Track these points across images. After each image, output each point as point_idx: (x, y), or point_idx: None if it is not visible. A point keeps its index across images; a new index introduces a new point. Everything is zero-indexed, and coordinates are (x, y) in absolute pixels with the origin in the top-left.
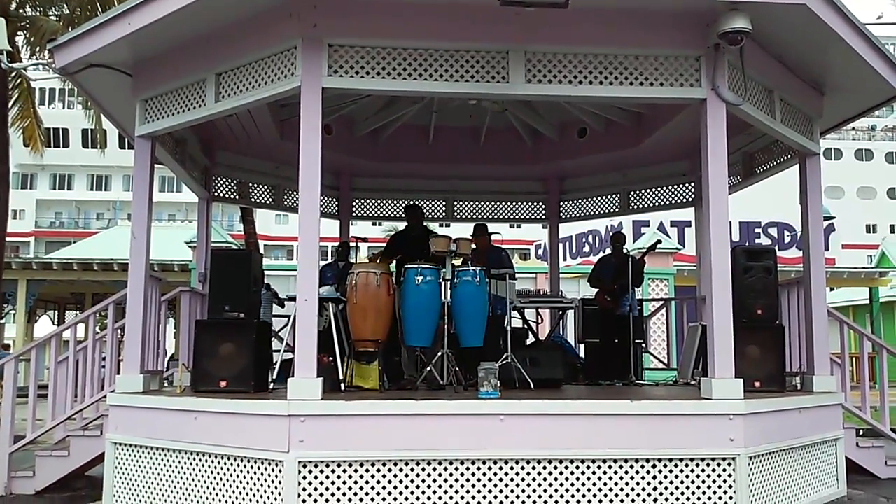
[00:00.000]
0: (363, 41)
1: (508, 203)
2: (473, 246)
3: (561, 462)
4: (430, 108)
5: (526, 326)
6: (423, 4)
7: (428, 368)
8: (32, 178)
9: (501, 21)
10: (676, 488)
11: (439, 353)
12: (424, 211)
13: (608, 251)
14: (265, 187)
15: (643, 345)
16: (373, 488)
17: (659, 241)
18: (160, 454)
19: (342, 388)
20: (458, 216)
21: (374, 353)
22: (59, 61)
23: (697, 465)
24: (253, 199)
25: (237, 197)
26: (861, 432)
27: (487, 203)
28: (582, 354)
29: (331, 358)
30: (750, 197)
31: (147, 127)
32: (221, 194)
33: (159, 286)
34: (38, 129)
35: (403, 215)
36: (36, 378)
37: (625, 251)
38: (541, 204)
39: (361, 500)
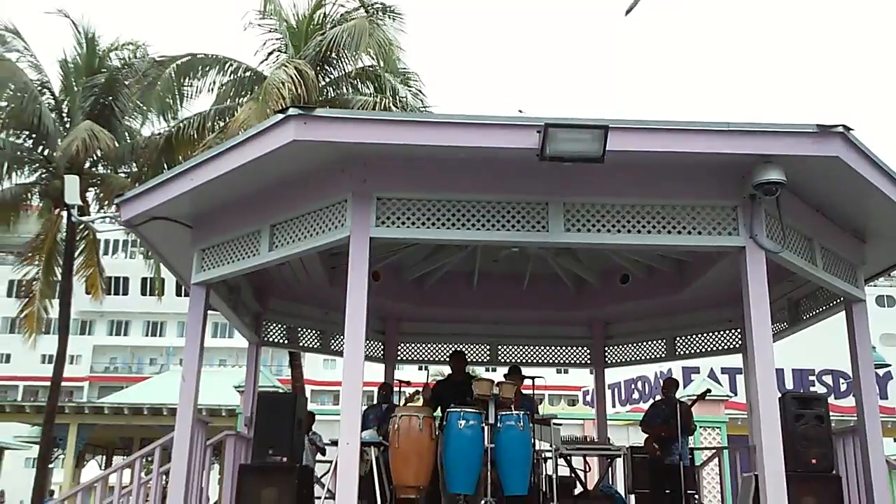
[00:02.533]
0: (409, 194)
1: (553, 347)
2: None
3: None
4: (474, 254)
5: (573, 475)
6: (465, 160)
7: None
8: (91, 324)
9: (540, 174)
10: None
11: (482, 502)
12: (468, 357)
13: (659, 397)
14: (314, 332)
15: (696, 496)
16: None
17: (709, 390)
18: None
19: None
20: (503, 360)
21: (416, 501)
22: (124, 214)
23: None
24: (301, 344)
25: (286, 341)
26: None
27: (531, 347)
28: None
29: None
30: (803, 344)
31: (203, 275)
32: (271, 339)
33: (206, 430)
34: (100, 277)
35: (448, 361)
36: None
37: (675, 398)
38: (586, 349)
39: None
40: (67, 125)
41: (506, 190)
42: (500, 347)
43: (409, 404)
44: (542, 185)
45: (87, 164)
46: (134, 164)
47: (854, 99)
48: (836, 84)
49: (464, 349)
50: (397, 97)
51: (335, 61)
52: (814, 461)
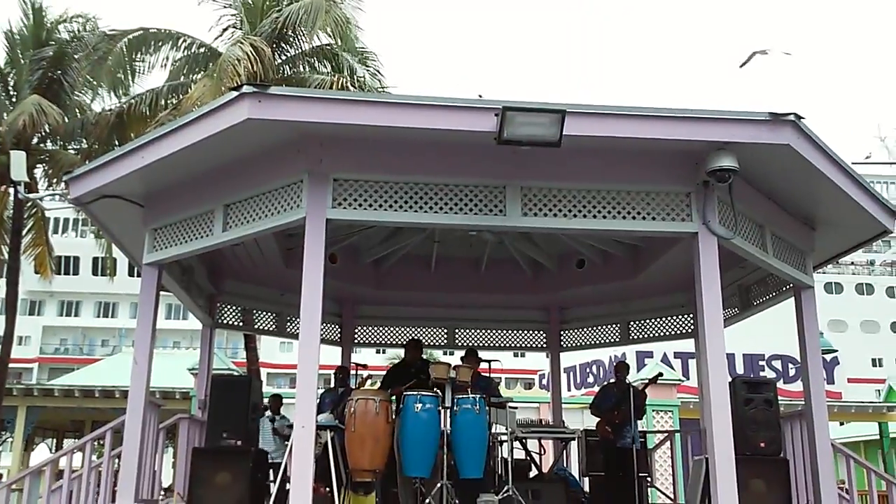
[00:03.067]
0: (366, 175)
1: (509, 331)
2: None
3: None
4: (431, 238)
5: (528, 458)
6: (423, 143)
7: (427, 501)
8: (40, 304)
9: (498, 158)
10: None
11: (438, 485)
12: (425, 340)
13: (611, 380)
14: (269, 315)
15: (648, 479)
16: None
17: (661, 374)
18: None
19: None
20: (460, 344)
21: (372, 484)
22: (73, 192)
23: None
24: (257, 326)
25: (241, 324)
26: None
27: (489, 331)
28: (586, 488)
29: (328, 489)
30: (754, 330)
31: (155, 255)
32: (226, 321)
33: (158, 413)
34: (49, 256)
35: (404, 349)
36: None
37: (627, 381)
38: (542, 333)
39: None
40: (14, 99)
41: (464, 173)
42: (457, 331)
43: (363, 388)
44: (499, 169)
45: (35, 140)
46: (84, 141)
47: (810, 89)
48: (797, 73)
49: (421, 333)
50: (355, 77)
51: (292, 39)
52: (762, 444)
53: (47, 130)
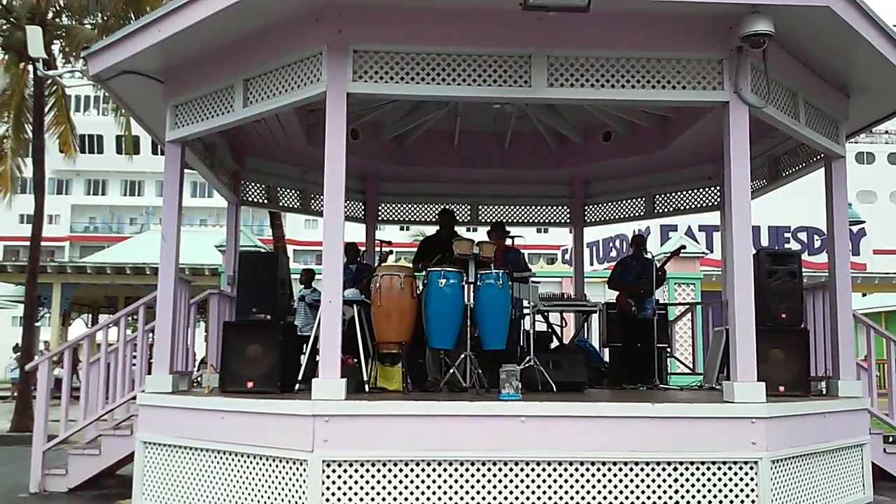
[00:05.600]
0: (387, 47)
1: (533, 207)
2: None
3: (582, 464)
4: (454, 112)
5: (550, 330)
6: (446, 10)
7: (451, 371)
8: (67, 183)
9: (523, 26)
10: (698, 491)
11: (462, 356)
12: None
13: (630, 254)
14: (293, 192)
15: (668, 349)
16: (395, 487)
17: (683, 247)
18: (188, 453)
19: (366, 389)
20: (483, 220)
21: (398, 356)
22: (92, 69)
23: (719, 468)
24: (281, 204)
25: (266, 201)
26: (890, 439)
27: (512, 207)
28: (606, 358)
29: (355, 360)
30: (781, 202)
31: (177, 132)
32: (250, 198)
33: (189, 289)
34: (72, 135)
35: (437, 219)
36: (70, 379)
37: (648, 254)
38: (566, 208)
39: (384, 499)
40: None
41: (488, 43)
42: (480, 207)
43: (387, 263)
44: (525, 38)
45: (50, 15)
46: (100, 15)
47: None
48: None
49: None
50: None
51: None
52: (784, 316)
53: (61, 4)
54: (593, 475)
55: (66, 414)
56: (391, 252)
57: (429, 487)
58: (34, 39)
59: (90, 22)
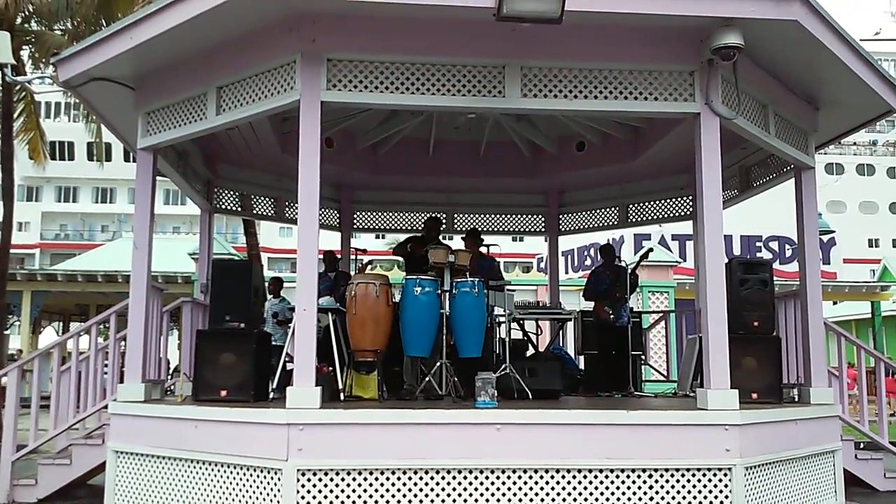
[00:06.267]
0: (361, 56)
1: (508, 215)
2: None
3: (557, 472)
4: (429, 121)
5: (525, 338)
6: (420, 20)
7: (427, 378)
8: (38, 190)
9: (498, 36)
10: (673, 498)
11: (438, 364)
12: (422, 227)
13: (601, 263)
14: (267, 199)
15: (642, 357)
16: (371, 496)
17: (651, 250)
18: (161, 462)
19: (342, 397)
20: (459, 228)
21: (374, 364)
22: (62, 75)
23: (693, 475)
24: (255, 212)
25: (239, 209)
26: (861, 445)
27: (488, 215)
28: (581, 366)
29: (330, 368)
30: (752, 211)
31: (149, 139)
32: (224, 206)
33: (162, 297)
34: (41, 141)
35: (424, 226)
36: (39, 388)
37: (620, 262)
38: (540, 217)
39: None
40: None
41: (462, 52)
42: (456, 216)
43: (364, 272)
44: (499, 48)
45: (19, 20)
46: (70, 20)
47: None
48: None
49: (420, 218)
50: None
51: None
52: (756, 324)
53: (31, 10)
54: (569, 482)
55: (35, 423)
56: (371, 262)
57: (405, 496)
58: (2, 45)
59: (60, 28)
